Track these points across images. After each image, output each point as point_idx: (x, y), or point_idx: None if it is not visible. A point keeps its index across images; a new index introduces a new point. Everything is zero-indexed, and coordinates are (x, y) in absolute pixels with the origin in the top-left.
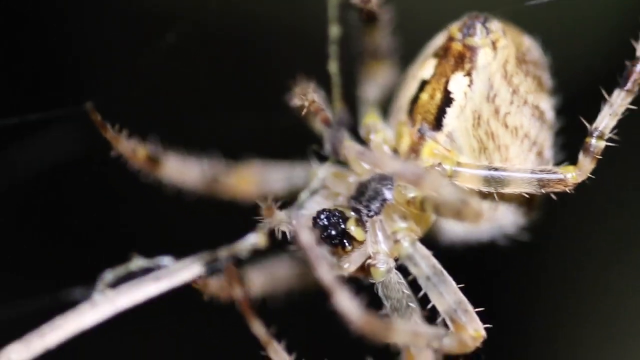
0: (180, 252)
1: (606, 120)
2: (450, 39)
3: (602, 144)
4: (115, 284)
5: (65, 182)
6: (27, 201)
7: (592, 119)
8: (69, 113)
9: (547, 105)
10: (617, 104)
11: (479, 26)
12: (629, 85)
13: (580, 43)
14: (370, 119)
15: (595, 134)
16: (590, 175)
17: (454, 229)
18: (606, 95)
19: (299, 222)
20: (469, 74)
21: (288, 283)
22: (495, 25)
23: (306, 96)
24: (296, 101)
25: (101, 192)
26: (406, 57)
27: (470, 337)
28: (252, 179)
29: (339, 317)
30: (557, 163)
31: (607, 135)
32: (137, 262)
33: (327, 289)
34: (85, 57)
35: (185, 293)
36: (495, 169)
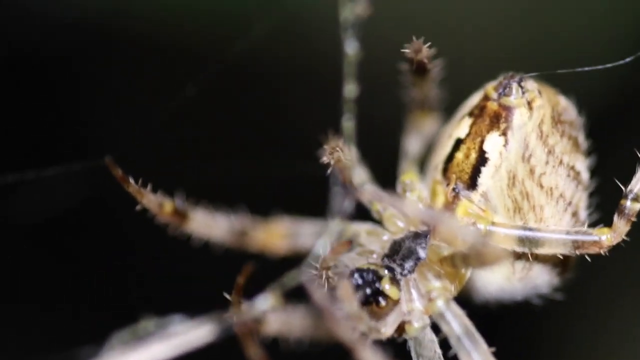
0: (194, 306)
1: None
2: (486, 98)
3: (637, 206)
4: (125, 343)
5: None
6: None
7: (626, 180)
8: (88, 167)
9: (582, 165)
10: None
11: (514, 86)
12: None
13: (612, 102)
14: (408, 177)
15: (631, 196)
16: (625, 238)
17: (488, 287)
18: None
19: (310, 282)
20: (504, 133)
21: (303, 332)
22: (531, 85)
23: (333, 154)
24: (325, 158)
25: (113, 243)
26: (449, 111)
27: None
28: (282, 233)
29: None
30: (591, 224)
31: None
32: (147, 325)
33: (348, 345)
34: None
35: None
36: (530, 229)
